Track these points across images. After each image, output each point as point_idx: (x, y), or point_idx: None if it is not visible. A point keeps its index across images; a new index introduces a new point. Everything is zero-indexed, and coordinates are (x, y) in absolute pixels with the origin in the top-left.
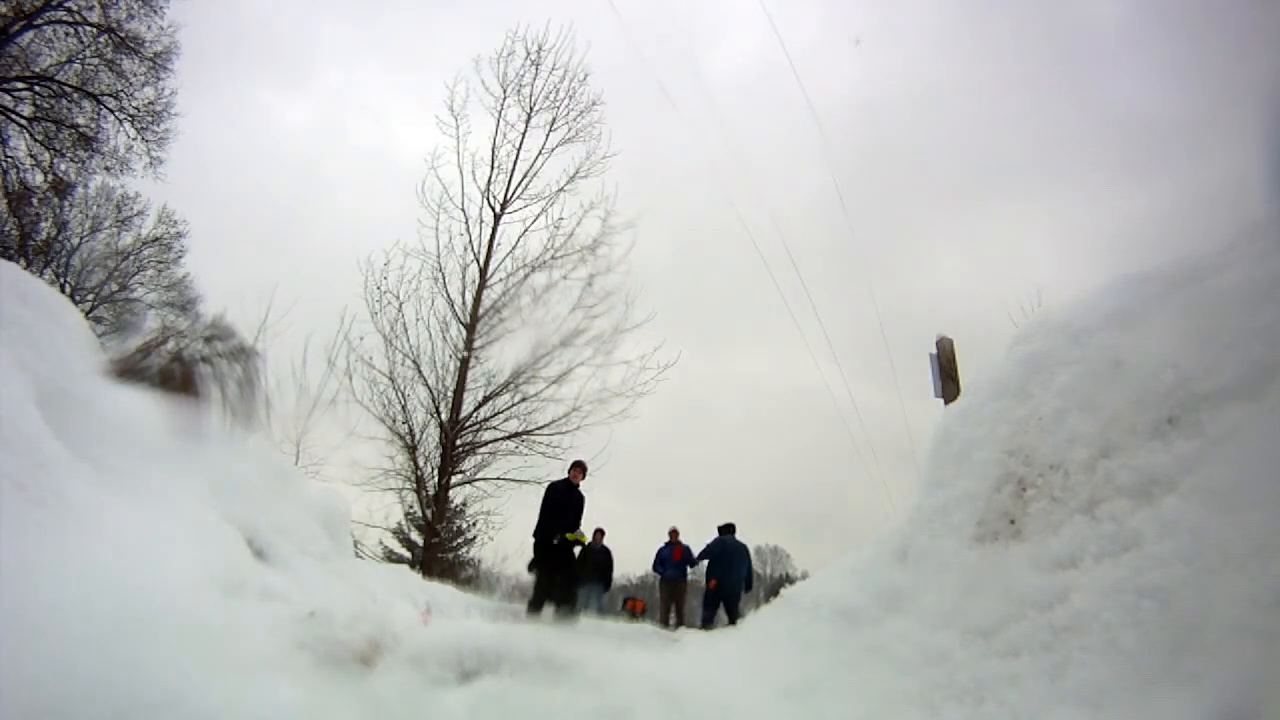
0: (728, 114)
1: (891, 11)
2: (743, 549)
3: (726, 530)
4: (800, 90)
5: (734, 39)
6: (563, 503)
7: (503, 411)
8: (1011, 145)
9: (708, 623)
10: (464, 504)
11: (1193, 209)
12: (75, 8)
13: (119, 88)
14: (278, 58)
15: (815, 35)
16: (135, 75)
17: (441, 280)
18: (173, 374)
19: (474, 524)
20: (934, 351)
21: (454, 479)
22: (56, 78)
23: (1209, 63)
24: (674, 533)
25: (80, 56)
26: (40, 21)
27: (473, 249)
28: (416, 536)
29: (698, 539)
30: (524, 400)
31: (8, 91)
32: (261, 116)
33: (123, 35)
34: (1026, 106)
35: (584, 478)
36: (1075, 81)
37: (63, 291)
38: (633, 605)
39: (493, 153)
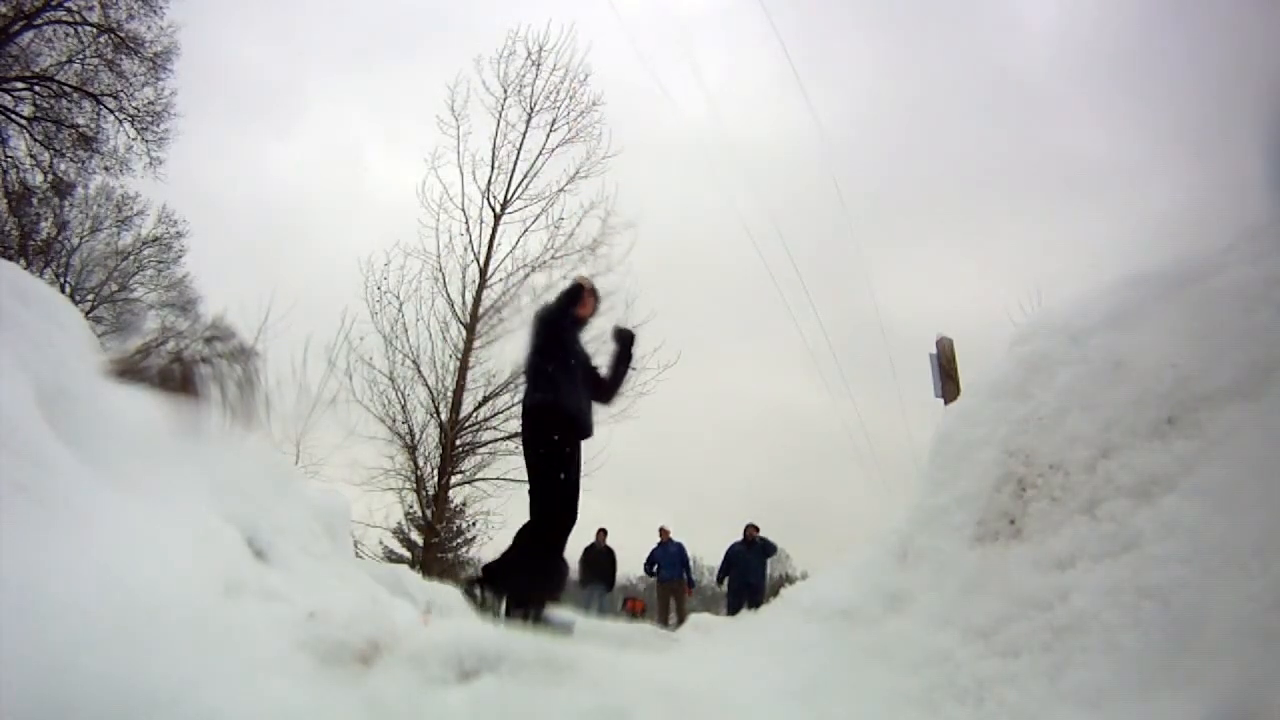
0: (728, 114)
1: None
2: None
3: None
4: (803, 95)
5: (734, 45)
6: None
7: (503, 411)
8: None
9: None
10: (464, 504)
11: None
12: (75, 8)
13: (119, 88)
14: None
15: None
16: (135, 75)
17: (441, 280)
18: (173, 374)
19: (474, 524)
20: (934, 351)
21: (454, 479)
22: (56, 78)
23: (1145, 106)
24: (664, 532)
25: (80, 56)
26: (40, 21)
27: (473, 249)
28: (416, 536)
29: (699, 539)
30: None
31: (8, 91)
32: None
33: (123, 35)
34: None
35: (595, 308)
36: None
37: (63, 291)
38: (633, 605)
39: (493, 153)
